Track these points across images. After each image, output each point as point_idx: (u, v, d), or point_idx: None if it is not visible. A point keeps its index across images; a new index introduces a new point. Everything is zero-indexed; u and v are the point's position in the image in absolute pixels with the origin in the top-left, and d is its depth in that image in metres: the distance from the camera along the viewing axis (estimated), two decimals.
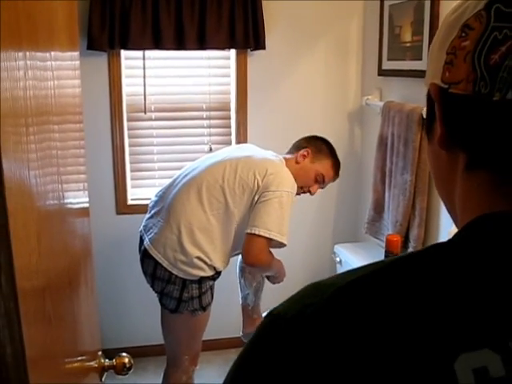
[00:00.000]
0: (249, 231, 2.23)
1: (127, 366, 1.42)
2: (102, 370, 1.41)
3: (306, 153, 2.46)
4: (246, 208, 2.29)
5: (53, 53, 1.07)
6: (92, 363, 1.35)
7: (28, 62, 0.85)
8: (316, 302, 0.52)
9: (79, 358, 1.21)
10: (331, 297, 0.52)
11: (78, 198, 1.31)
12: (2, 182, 0.68)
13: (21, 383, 0.76)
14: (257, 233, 2.21)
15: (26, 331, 0.75)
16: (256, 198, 2.27)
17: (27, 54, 0.85)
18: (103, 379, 1.43)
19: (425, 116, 2.31)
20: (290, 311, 0.54)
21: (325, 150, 2.49)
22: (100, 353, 1.44)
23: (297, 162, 2.45)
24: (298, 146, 2.52)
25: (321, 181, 2.48)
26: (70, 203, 1.21)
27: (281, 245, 2.29)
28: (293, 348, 0.50)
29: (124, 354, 1.43)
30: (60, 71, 1.14)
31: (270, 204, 2.23)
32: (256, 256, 2.26)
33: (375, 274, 0.53)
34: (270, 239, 2.23)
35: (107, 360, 1.43)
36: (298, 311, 0.53)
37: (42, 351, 0.87)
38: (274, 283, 2.68)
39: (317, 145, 2.50)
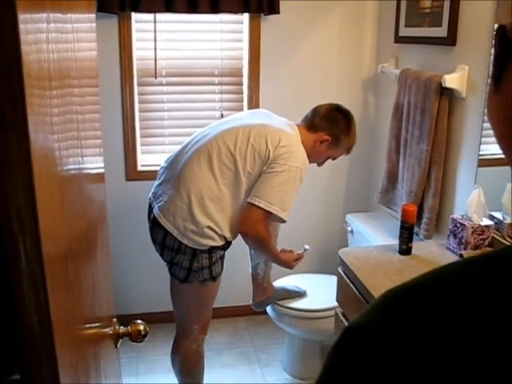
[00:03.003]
0: (249, 201, 2.20)
1: (142, 333, 1.41)
2: (117, 336, 1.41)
3: (326, 140, 2.40)
4: (255, 177, 2.24)
5: (73, 15, 1.04)
6: (107, 330, 1.35)
7: (51, 25, 0.82)
8: (407, 312, 0.46)
9: (96, 325, 1.20)
10: (424, 308, 0.45)
11: (95, 163, 1.30)
12: (27, 144, 0.67)
13: (47, 348, 0.75)
14: (257, 204, 2.18)
15: (51, 296, 0.74)
16: (265, 168, 2.23)
17: (50, 15, 0.82)
18: (118, 346, 1.43)
19: (445, 84, 2.28)
20: (380, 326, 0.47)
21: (345, 136, 2.43)
22: (115, 320, 1.44)
23: (314, 146, 2.39)
24: (319, 125, 2.41)
25: (332, 159, 2.52)
26: (89, 168, 1.20)
27: (281, 220, 2.26)
28: (388, 365, 0.44)
29: (139, 321, 1.42)
30: (79, 33, 1.11)
31: (275, 177, 2.20)
32: (252, 225, 2.22)
33: (473, 283, 0.46)
34: (270, 213, 2.20)
35: (122, 327, 1.43)
36: (384, 323, 0.46)
37: (64, 316, 0.87)
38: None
39: (338, 133, 2.41)
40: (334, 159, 2.54)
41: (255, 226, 2.22)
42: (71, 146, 0.99)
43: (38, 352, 0.75)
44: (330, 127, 2.41)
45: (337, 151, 2.47)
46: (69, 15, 0.99)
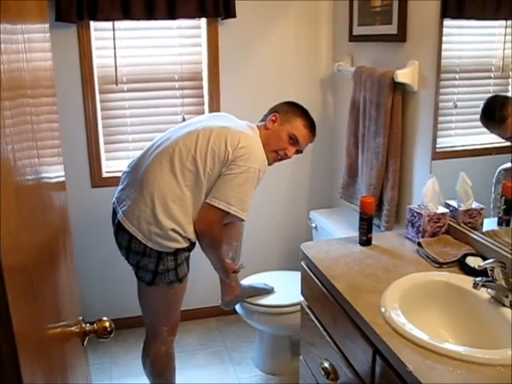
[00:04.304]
0: (209, 202, 2.25)
1: (108, 329, 1.44)
2: (84, 334, 1.43)
3: (274, 117, 2.47)
4: (214, 178, 2.28)
5: (23, 25, 1.06)
6: (73, 328, 1.37)
7: (0, 36, 0.84)
8: None
9: (61, 324, 1.22)
10: None
11: (54, 172, 1.32)
12: None
13: (9, 352, 0.78)
14: (216, 205, 2.24)
15: (12, 305, 0.76)
16: (224, 170, 2.26)
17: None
18: (85, 343, 1.46)
19: (397, 79, 2.35)
20: None
21: (293, 110, 2.50)
22: (81, 318, 1.47)
23: (267, 128, 2.46)
24: (268, 114, 2.53)
25: (295, 141, 2.45)
26: (47, 177, 1.22)
27: (241, 220, 2.32)
28: None
29: (105, 319, 1.46)
30: (31, 44, 1.13)
31: (235, 179, 2.24)
32: (209, 225, 2.28)
33: None
34: (228, 213, 2.25)
35: (88, 325, 1.45)
36: None
37: (27, 323, 0.89)
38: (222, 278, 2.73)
39: (285, 107, 2.51)
40: (297, 141, 2.44)
41: (212, 226, 2.28)
42: (27, 156, 1.01)
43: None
44: (277, 107, 2.53)
45: (292, 124, 2.44)
46: (18, 26, 1.01)
